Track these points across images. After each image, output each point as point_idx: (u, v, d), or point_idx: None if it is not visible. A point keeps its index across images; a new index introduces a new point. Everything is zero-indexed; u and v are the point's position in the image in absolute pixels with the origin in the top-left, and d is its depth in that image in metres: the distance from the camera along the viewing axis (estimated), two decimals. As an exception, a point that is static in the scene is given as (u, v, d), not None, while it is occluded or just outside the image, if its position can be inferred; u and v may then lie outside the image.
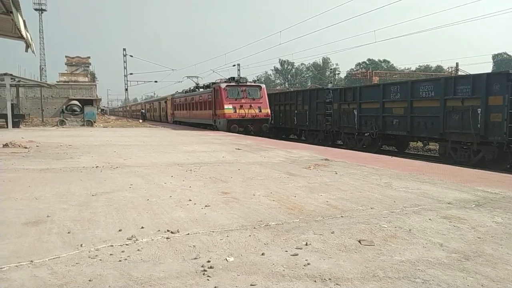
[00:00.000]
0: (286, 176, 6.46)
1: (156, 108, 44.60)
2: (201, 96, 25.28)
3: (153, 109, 47.39)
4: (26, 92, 34.53)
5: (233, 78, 22.71)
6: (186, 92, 31.49)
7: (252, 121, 20.93)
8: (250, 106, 21.07)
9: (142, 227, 3.58)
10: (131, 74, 44.49)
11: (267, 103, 21.76)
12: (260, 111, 21.26)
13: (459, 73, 46.99)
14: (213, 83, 23.61)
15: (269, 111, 21.58)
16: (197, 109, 26.31)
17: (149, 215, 4.03)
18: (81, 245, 3.10)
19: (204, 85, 27.20)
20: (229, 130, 20.27)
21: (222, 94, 20.81)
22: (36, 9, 73.25)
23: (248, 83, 22.03)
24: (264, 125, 21.15)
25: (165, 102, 38.73)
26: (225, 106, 20.69)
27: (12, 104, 23.98)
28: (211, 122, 22.58)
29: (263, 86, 22.66)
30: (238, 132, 19.68)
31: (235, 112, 20.72)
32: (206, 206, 4.40)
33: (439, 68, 77.84)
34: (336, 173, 6.74)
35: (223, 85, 21.23)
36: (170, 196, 4.90)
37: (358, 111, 17.20)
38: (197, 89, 28.34)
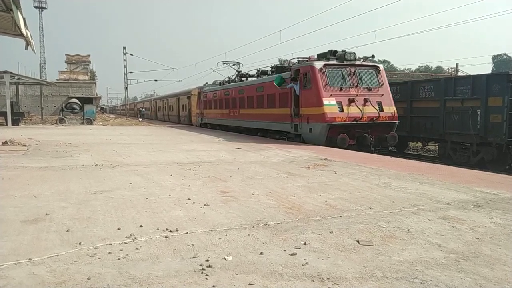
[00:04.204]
0: (285, 176, 6.46)
1: (173, 106, 35.44)
2: (262, 86, 16.19)
3: (167, 107, 38.31)
4: (26, 90, 34.51)
5: (334, 52, 13.01)
6: (221, 83, 22.53)
7: (370, 127, 12.20)
8: (365, 101, 12.12)
9: (141, 226, 3.58)
10: (131, 72, 44.35)
11: (391, 95, 13.00)
12: (382, 109, 12.35)
13: (459, 73, 46.93)
14: (283, 66, 15.22)
15: (395, 110, 12.75)
16: (252, 107, 17.18)
17: (148, 213, 4.03)
18: (80, 243, 3.10)
19: (258, 71, 18.52)
20: (331, 143, 11.71)
21: (318, 80, 12.01)
22: (36, 7, 73.29)
23: (357, 62, 12.89)
24: (391, 134, 12.29)
25: (188, 98, 29.53)
26: (325, 101, 11.78)
27: (11, 102, 23.99)
28: (288, 128, 13.95)
29: (381, 67, 13.40)
30: (347, 148, 11.46)
31: (341, 111, 11.84)
32: (205, 205, 4.40)
33: (439, 69, 77.77)
34: (335, 173, 6.74)
35: (318, 64, 12.24)
36: (169, 195, 4.90)
37: (358, 111, 17.15)
38: (243, 79, 20.07)
